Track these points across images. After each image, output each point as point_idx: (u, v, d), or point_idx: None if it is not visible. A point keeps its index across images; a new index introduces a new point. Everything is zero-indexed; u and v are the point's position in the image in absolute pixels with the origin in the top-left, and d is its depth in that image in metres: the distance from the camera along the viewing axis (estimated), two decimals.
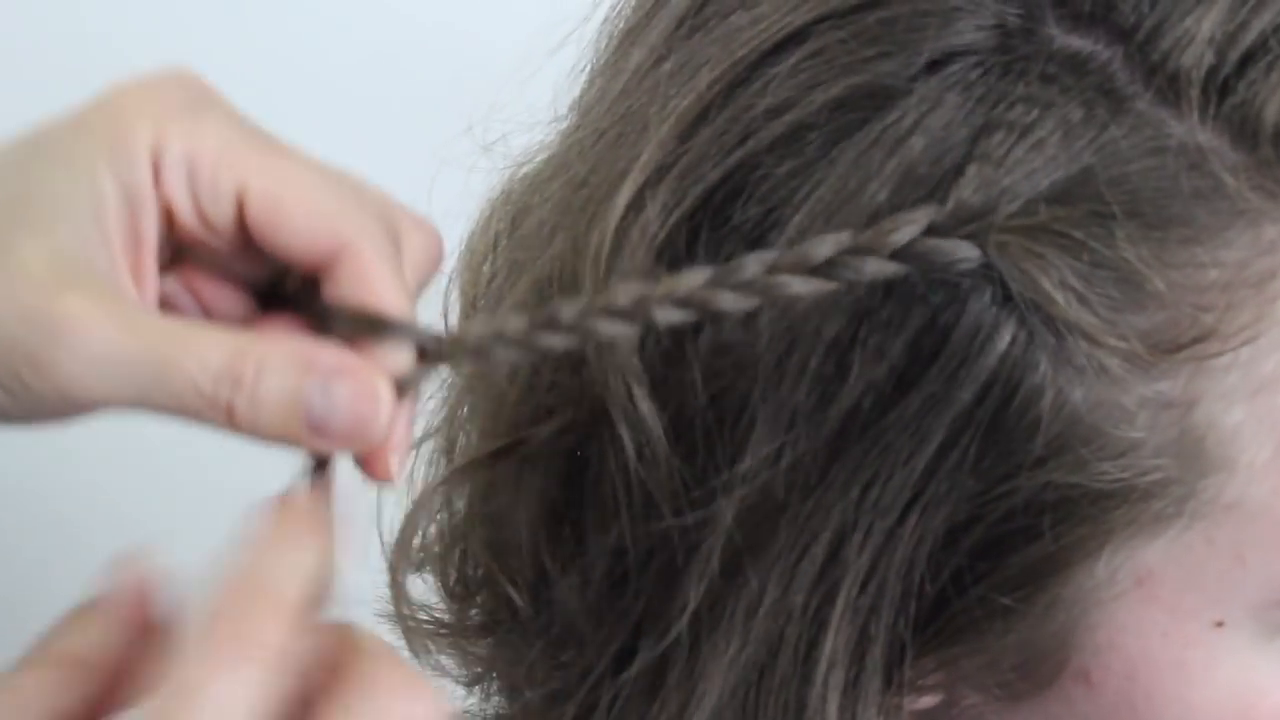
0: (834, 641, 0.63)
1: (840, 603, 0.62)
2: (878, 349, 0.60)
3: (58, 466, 1.29)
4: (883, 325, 0.60)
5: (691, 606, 0.63)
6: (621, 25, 0.69)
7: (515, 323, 0.59)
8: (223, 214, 0.60)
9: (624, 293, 0.59)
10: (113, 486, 1.29)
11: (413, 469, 0.77)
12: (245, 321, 0.63)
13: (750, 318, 0.62)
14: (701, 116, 0.63)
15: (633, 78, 0.66)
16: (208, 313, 0.63)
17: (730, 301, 0.59)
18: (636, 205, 0.63)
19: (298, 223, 0.60)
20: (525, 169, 0.73)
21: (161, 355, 0.58)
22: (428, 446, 0.76)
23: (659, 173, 0.63)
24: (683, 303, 0.59)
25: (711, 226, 0.62)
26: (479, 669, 0.72)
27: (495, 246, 0.73)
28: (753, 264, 0.59)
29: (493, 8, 1.08)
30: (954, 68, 0.61)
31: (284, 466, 0.60)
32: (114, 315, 0.58)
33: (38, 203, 0.60)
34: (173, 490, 1.29)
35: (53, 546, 1.29)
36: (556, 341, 0.59)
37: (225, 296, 0.63)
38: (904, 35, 0.61)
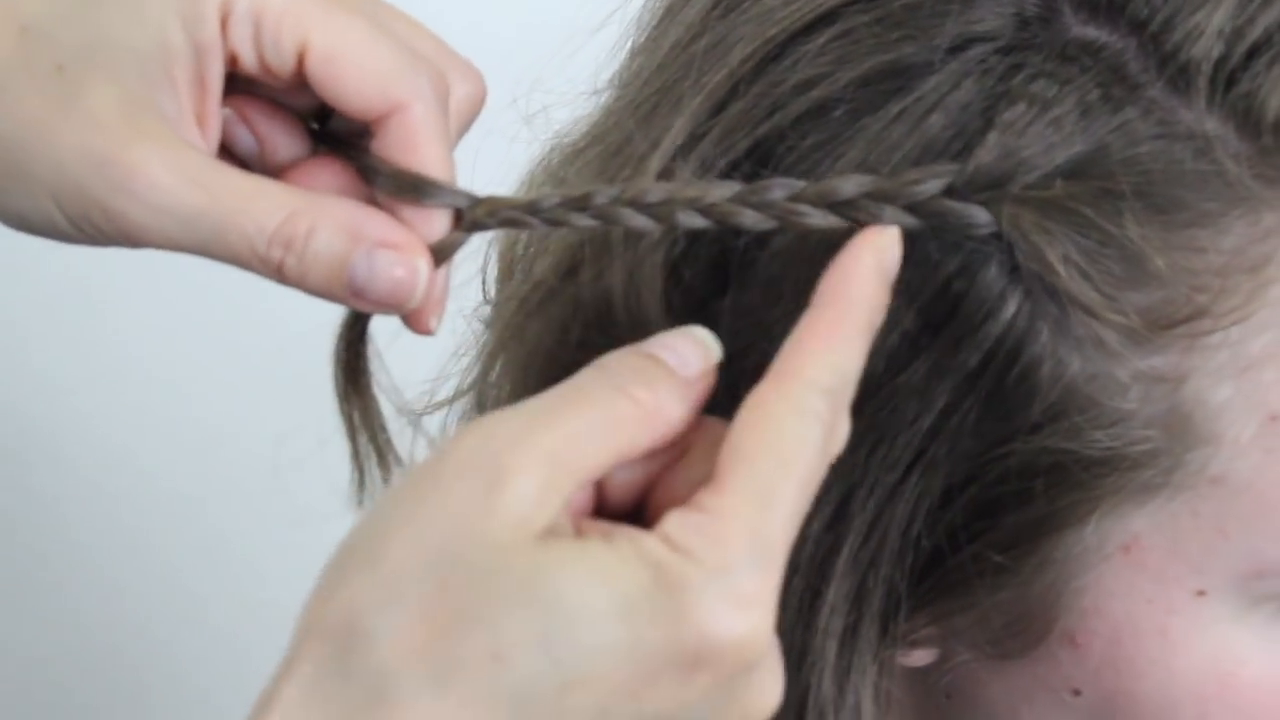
0: (836, 591, 0.66)
1: (844, 554, 0.65)
2: (892, 314, 0.63)
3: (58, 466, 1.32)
4: (898, 290, 0.63)
5: None
6: (663, 4, 0.72)
7: (550, 198, 0.65)
8: (284, 65, 0.65)
9: (655, 189, 0.64)
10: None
11: (445, 425, 0.81)
12: (295, 159, 0.68)
13: (772, 280, 0.65)
14: (733, 90, 0.66)
15: (670, 53, 0.70)
16: (260, 144, 0.68)
17: (750, 219, 0.63)
18: (666, 174, 0.67)
19: (354, 82, 0.65)
20: (566, 140, 0.77)
21: (222, 212, 0.63)
22: (461, 404, 0.80)
23: (690, 142, 0.66)
24: (706, 210, 0.63)
25: None
26: None
27: None
28: (778, 188, 0.63)
29: None
30: (973, 52, 0.64)
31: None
32: (180, 167, 0.63)
33: (110, 50, 0.64)
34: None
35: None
36: (584, 221, 0.64)
37: (277, 128, 0.68)
38: (927, 20, 0.65)
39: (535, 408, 0.58)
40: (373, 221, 0.65)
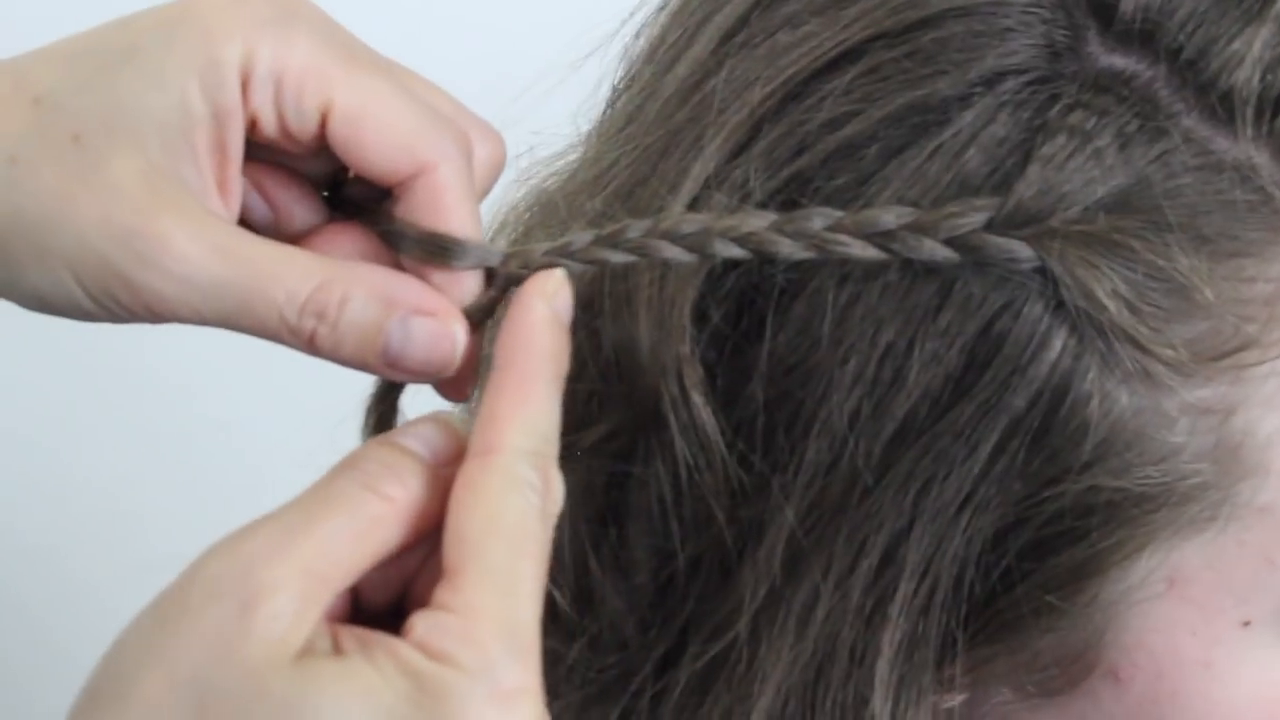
0: (889, 641, 0.64)
1: (896, 602, 0.64)
2: (934, 356, 0.62)
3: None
4: (940, 333, 0.62)
5: (751, 608, 0.65)
6: (660, 42, 0.70)
7: (581, 238, 0.63)
8: (306, 128, 0.63)
9: (689, 221, 0.62)
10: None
11: None
12: (311, 227, 0.65)
13: (807, 324, 0.64)
14: (755, 130, 0.65)
15: (677, 93, 0.68)
16: (275, 213, 0.65)
17: (788, 248, 0.62)
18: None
19: (380, 143, 0.62)
20: (546, 184, 0.75)
21: (250, 283, 0.61)
22: None
23: (712, 183, 0.65)
24: (743, 240, 0.62)
25: None
26: None
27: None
28: (817, 217, 0.62)
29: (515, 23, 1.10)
30: (1007, 85, 0.63)
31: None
32: (206, 238, 0.61)
33: (128, 118, 0.62)
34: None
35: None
36: (619, 257, 0.63)
37: (292, 195, 0.65)
38: (957, 54, 0.63)
39: (283, 519, 0.57)
40: (407, 288, 0.62)
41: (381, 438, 0.60)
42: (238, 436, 1.34)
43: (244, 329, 0.62)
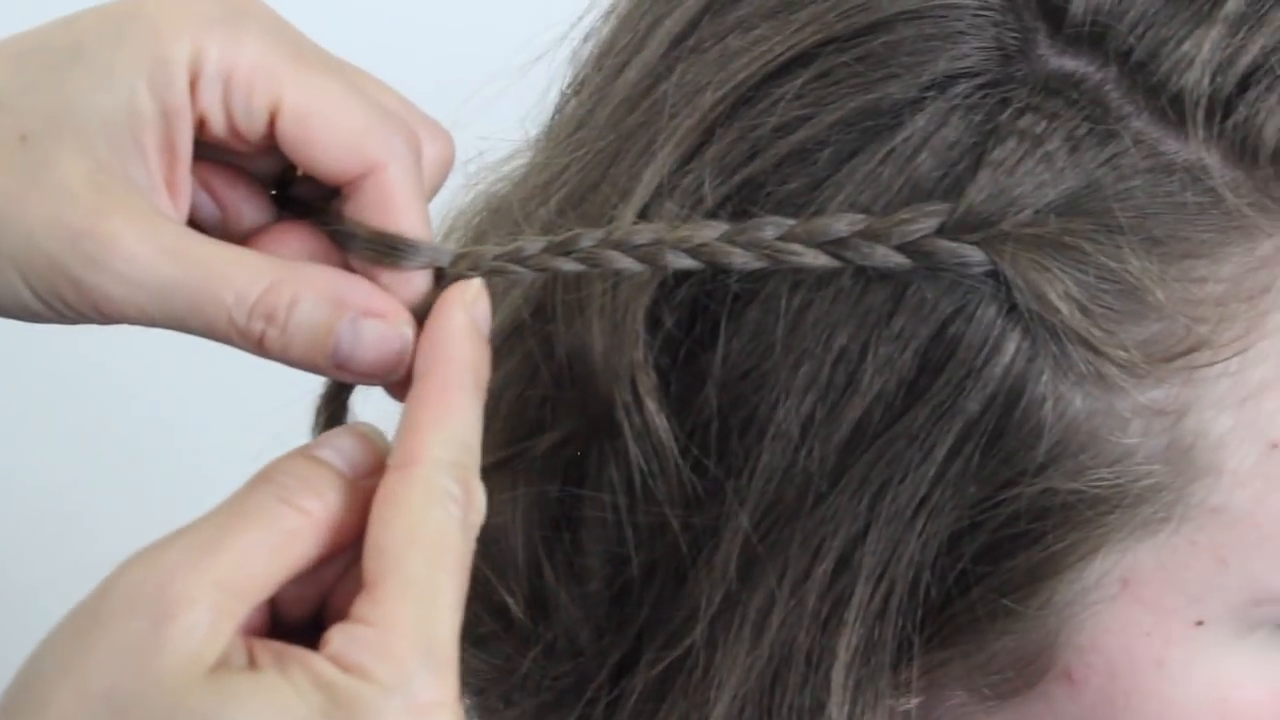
0: (846, 645, 0.64)
1: (853, 607, 0.64)
2: (887, 360, 0.62)
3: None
4: (893, 337, 0.62)
5: (707, 614, 0.65)
6: (610, 46, 0.70)
7: (533, 244, 0.63)
8: (254, 127, 0.62)
9: (642, 231, 0.62)
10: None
11: None
12: (259, 226, 0.65)
13: (760, 329, 0.63)
14: (707, 134, 0.64)
15: (628, 98, 0.67)
16: (223, 212, 0.65)
17: (740, 259, 0.62)
18: (643, 219, 0.64)
19: (329, 142, 0.62)
20: (494, 188, 0.74)
21: (199, 284, 0.60)
22: None
23: (665, 188, 0.64)
24: (695, 251, 0.62)
25: None
26: (470, 679, 0.72)
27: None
28: (769, 226, 0.62)
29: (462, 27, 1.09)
30: (958, 89, 0.63)
31: None
32: (155, 239, 0.60)
33: (77, 117, 0.61)
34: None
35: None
36: (570, 266, 0.63)
37: (240, 194, 0.65)
38: (908, 58, 0.63)
39: (199, 532, 0.57)
40: (356, 289, 0.62)
41: (298, 450, 0.59)
42: (180, 436, 1.33)
43: (192, 330, 0.61)
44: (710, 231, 0.62)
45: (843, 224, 0.62)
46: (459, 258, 0.63)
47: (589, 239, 0.63)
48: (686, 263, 0.62)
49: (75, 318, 0.62)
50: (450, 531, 0.57)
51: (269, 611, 0.59)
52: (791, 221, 0.62)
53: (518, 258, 0.63)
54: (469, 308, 0.61)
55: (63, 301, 0.61)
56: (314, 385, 0.68)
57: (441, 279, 0.63)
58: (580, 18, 0.72)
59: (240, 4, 0.63)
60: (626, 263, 0.62)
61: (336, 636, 0.55)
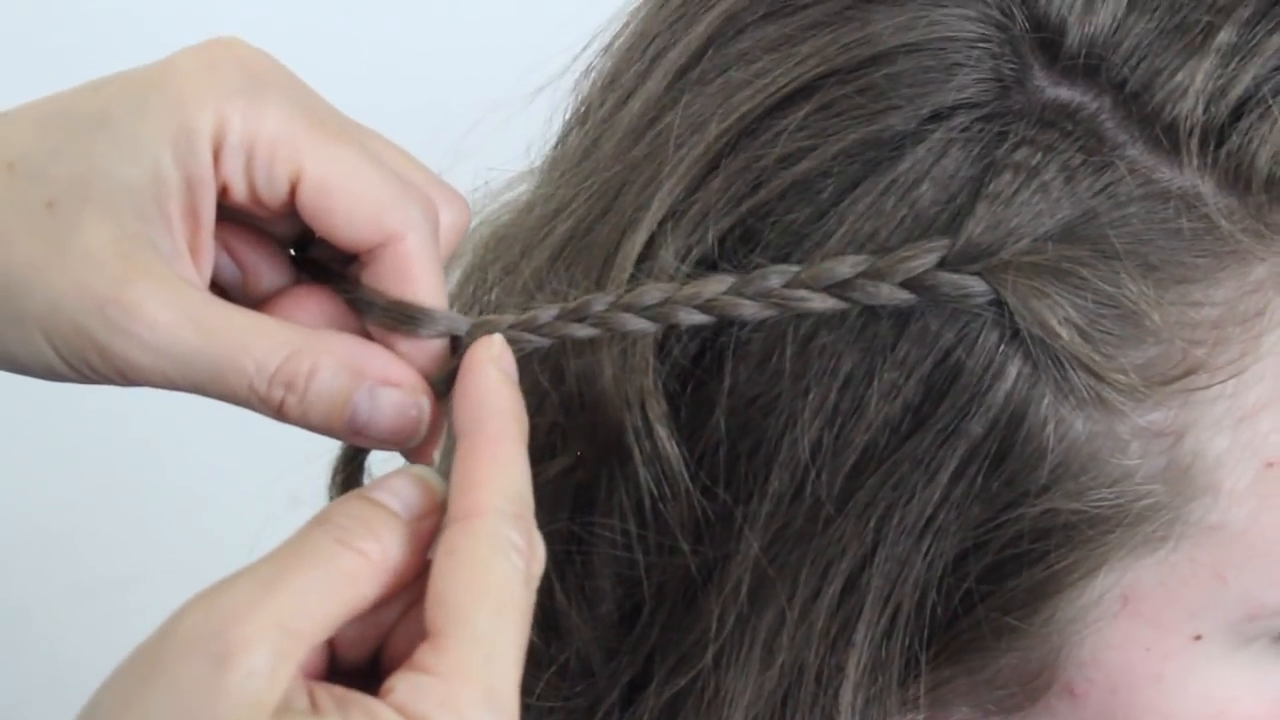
0: (855, 665, 0.66)
1: (860, 628, 0.65)
2: (892, 387, 0.64)
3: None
4: (897, 364, 0.63)
5: (717, 637, 0.66)
6: (614, 77, 0.71)
7: (546, 312, 0.64)
8: (276, 195, 0.63)
9: (651, 292, 0.64)
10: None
11: None
12: (279, 288, 0.66)
13: (767, 358, 0.65)
14: (711, 166, 0.66)
15: (633, 129, 0.69)
16: (244, 274, 0.66)
17: (749, 310, 0.63)
18: (647, 255, 0.66)
19: (348, 212, 0.63)
20: (499, 219, 0.75)
21: (221, 352, 0.62)
22: None
23: (670, 220, 0.66)
24: (705, 307, 0.64)
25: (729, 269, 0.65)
26: None
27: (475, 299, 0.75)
28: (774, 275, 0.63)
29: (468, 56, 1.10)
30: (957, 120, 0.64)
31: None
32: (178, 307, 0.62)
33: (102, 185, 0.62)
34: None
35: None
36: (584, 331, 0.64)
37: (261, 256, 0.66)
38: (909, 90, 0.65)
39: (257, 574, 0.57)
40: (374, 358, 0.64)
41: (355, 492, 0.60)
42: (171, 458, 1.34)
43: (215, 396, 0.63)
44: (718, 285, 0.64)
45: (846, 266, 0.63)
46: (475, 327, 0.64)
47: (600, 303, 0.64)
48: (698, 319, 0.64)
49: (99, 380, 0.63)
50: (515, 583, 0.58)
51: (327, 654, 0.60)
52: (796, 268, 0.63)
53: (532, 326, 0.65)
54: (497, 360, 0.62)
55: (88, 365, 0.62)
56: None
57: (457, 346, 0.65)
58: (584, 48, 0.73)
59: (263, 73, 0.64)
60: (639, 324, 0.64)
61: (401, 684, 0.56)
